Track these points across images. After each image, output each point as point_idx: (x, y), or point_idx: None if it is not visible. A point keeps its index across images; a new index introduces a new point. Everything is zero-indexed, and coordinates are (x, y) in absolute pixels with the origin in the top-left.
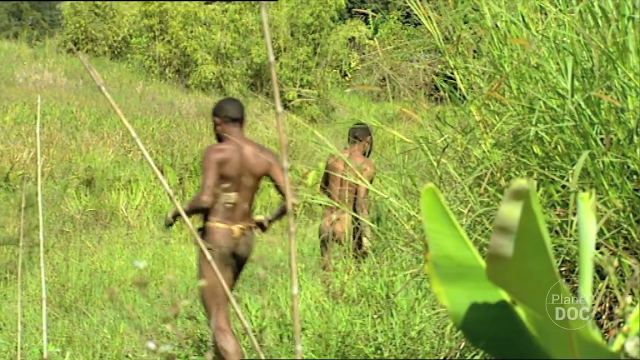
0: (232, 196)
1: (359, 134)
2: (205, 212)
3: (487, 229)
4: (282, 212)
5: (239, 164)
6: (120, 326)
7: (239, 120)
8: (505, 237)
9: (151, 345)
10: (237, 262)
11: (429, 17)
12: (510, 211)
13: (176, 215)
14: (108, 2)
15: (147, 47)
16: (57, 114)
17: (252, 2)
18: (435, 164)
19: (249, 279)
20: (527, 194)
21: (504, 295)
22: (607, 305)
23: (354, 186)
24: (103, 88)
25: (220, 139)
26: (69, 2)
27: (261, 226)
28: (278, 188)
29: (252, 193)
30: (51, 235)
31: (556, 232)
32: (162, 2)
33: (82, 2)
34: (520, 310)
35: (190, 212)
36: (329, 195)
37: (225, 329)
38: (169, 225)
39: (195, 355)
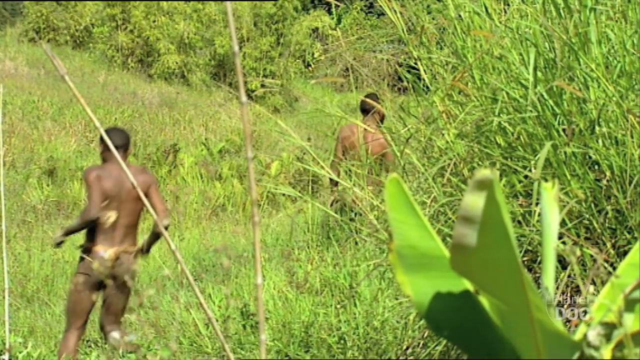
0: (112, 215)
1: (367, 106)
2: (88, 233)
3: (450, 219)
4: (156, 236)
5: (116, 184)
6: None
7: (121, 147)
8: (469, 226)
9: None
10: (115, 281)
11: (393, 8)
12: (474, 201)
13: (67, 234)
14: None
15: (110, 36)
16: (19, 104)
17: None
18: (398, 154)
19: (212, 269)
20: (491, 184)
21: (468, 285)
22: (569, 294)
23: (380, 154)
24: (66, 77)
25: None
26: None
27: (141, 251)
28: (154, 209)
29: (134, 215)
30: (13, 225)
31: (519, 222)
32: None
33: None
34: (483, 300)
35: (81, 227)
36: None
37: (69, 346)
38: (58, 244)
39: (158, 345)
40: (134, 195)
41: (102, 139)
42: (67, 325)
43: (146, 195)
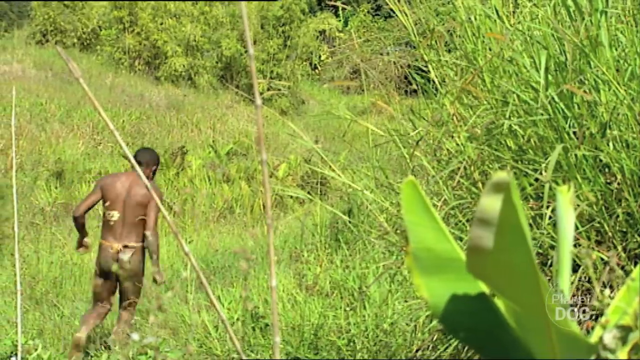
0: (114, 214)
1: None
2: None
3: (460, 221)
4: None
5: (121, 188)
6: None
7: (142, 164)
8: (486, 229)
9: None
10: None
11: (404, 11)
12: (491, 203)
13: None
14: None
15: (117, 39)
16: (27, 106)
17: None
18: (407, 157)
19: (220, 271)
20: (508, 186)
21: (484, 288)
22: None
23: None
24: (81, 80)
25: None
26: None
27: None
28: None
29: (136, 216)
30: (21, 227)
31: (529, 224)
32: None
33: None
34: (499, 303)
35: (76, 225)
36: None
37: (87, 321)
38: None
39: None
40: (135, 201)
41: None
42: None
43: (145, 206)
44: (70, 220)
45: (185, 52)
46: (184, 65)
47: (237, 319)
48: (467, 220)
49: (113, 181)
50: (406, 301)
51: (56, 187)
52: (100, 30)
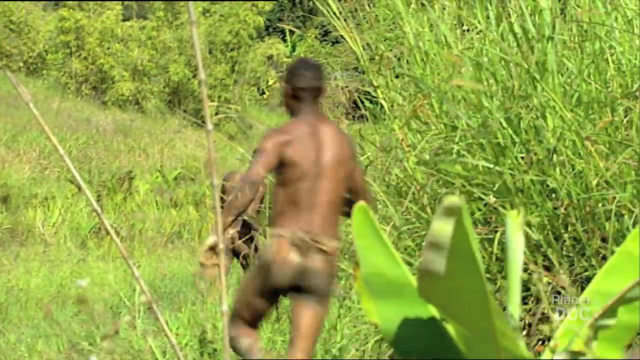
0: None
1: None
2: None
3: (409, 246)
4: None
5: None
6: (37, 344)
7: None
8: (437, 253)
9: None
10: None
11: (354, 36)
12: (442, 227)
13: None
14: (24, 18)
15: (64, 63)
16: None
17: (170, 20)
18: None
19: (168, 296)
20: (459, 210)
21: (435, 312)
22: (526, 322)
23: None
24: (31, 104)
25: None
26: None
27: None
28: None
29: None
30: None
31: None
32: (78, 19)
33: None
34: (450, 327)
35: None
36: None
37: None
38: None
39: None
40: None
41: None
42: None
43: None
44: (16, 245)
45: (133, 77)
46: (131, 90)
47: (186, 344)
48: (417, 245)
49: None
50: (355, 326)
51: (2, 212)
52: (47, 54)
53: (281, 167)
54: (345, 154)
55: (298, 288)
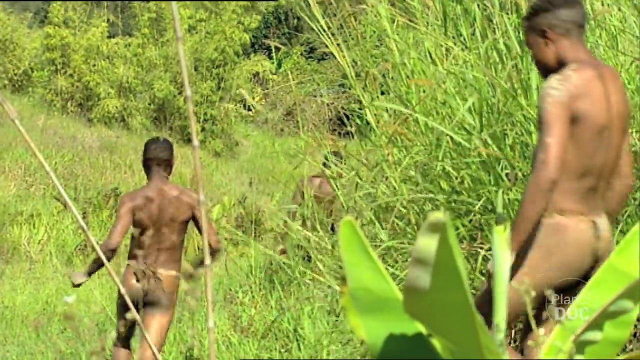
0: None
1: None
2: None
3: (396, 261)
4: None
5: None
6: None
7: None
8: (422, 269)
9: None
10: None
11: (343, 55)
12: (427, 243)
13: None
14: (9, 36)
15: (49, 80)
16: None
17: (156, 37)
18: (342, 198)
19: None
20: (444, 226)
21: (421, 327)
22: (512, 336)
23: None
24: (17, 121)
25: None
26: None
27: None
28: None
29: None
30: None
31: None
32: (64, 36)
33: None
34: (436, 342)
35: None
36: None
37: None
38: None
39: None
40: None
41: None
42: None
43: None
44: (1, 263)
45: (118, 94)
46: (116, 107)
47: None
48: (404, 261)
49: None
50: (341, 342)
51: None
52: (32, 71)
53: None
54: None
55: None
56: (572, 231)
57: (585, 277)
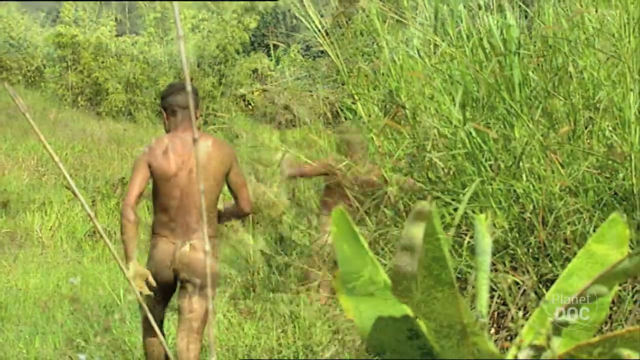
0: None
1: None
2: None
3: (383, 249)
4: None
5: None
6: (35, 341)
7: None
8: (409, 255)
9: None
10: None
11: (337, 53)
12: (414, 231)
13: None
14: (23, 34)
15: (60, 76)
16: None
17: (161, 35)
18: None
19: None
20: (430, 215)
21: (408, 310)
22: (494, 319)
23: None
24: (27, 114)
25: None
26: None
27: None
28: None
29: None
30: None
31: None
32: (74, 34)
33: None
34: (422, 324)
35: None
36: None
37: None
38: None
39: None
40: None
41: None
42: None
43: None
44: (15, 248)
45: (125, 89)
46: (124, 101)
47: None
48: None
49: None
50: (330, 326)
51: (1, 217)
52: (45, 68)
53: None
54: None
55: None
56: None
57: None
